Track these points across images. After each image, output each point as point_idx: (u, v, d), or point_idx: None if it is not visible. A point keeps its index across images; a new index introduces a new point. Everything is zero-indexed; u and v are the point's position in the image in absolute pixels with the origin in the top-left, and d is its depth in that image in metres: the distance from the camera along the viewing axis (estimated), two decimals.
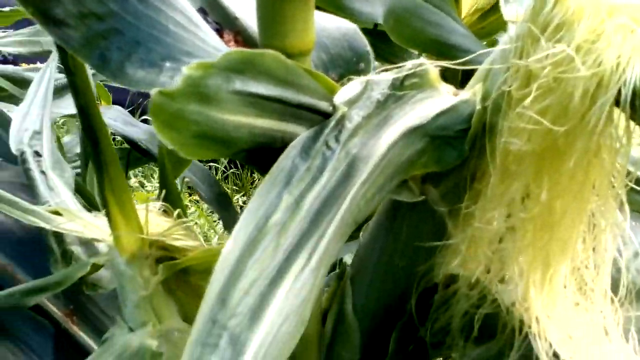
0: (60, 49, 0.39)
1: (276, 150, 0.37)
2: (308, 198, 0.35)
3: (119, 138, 1.47)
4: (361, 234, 0.50)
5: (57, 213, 0.51)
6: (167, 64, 0.37)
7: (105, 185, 0.43)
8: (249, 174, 3.15)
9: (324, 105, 0.38)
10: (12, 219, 0.66)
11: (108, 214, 0.45)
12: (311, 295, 0.33)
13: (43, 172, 0.62)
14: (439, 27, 0.67)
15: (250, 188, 3.05)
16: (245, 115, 0.33)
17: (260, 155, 0.37)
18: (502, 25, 1.06)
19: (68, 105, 0.95)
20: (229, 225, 0.97)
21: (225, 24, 0.41)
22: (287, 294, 0.32)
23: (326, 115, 0.38)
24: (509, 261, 0.41)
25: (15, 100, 1.00)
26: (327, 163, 0.36)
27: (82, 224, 0.50)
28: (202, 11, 0.40)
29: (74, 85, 0.39)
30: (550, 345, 0.40)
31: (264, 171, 0.37)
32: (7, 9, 1.41)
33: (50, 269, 0.65)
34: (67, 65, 0.39)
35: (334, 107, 0.38)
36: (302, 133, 0.37)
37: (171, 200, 0.81)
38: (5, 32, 1.27)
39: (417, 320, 0.47)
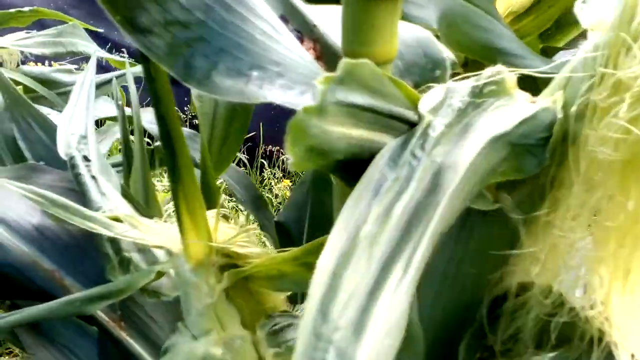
0: (142, 57, 0.39)
1: (364, 161, 0.36)
2: (397, 208, 0.35)
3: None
4: None
5: (117, 219, 0.51)
6: (255, 73, 0.36)
7: (179, 194, 0.43)
8: (257, 173, 3.15)
9: (409, 114, 0.38)
10: (58, 224, 0.66)
11: (179, 222, 0.45)
12: (407, 307, 0.33)
13: (94, 177, 0.62)
14: (489, 31, 0.67)
15: (260, 187, 3.05)
16: (344, 126, 0.33)
17: (349, 165, 0.37)
18: (534, 29, 1.06)
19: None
20: (265, 227, 0.98)
21: (304, 31, 0.41)
22: (387, 307, 0.32)
23: (411, 124, 0.38)
24: (589, 270, 0.40)
25: (44, 101, 1.00)
26: (414, 172, 0.36)
27: (144, 231, 0.49)
28: (284, 19, 0.40)
29: (155, 92, 0.39)
30: (633, 356, 0.39)
31: (350, 182, 0.37)
32: (26, 9, 1.40)
33: (99, 275, 0.65)
34: (149, 73, 0.39)
35: (420, 116, 0.38)
36: (389, 142, 0.37)
37: (212, 203, 0.81)
38: (28, 32, 1.27)
39: (487, 329, 0.46)
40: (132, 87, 0.83)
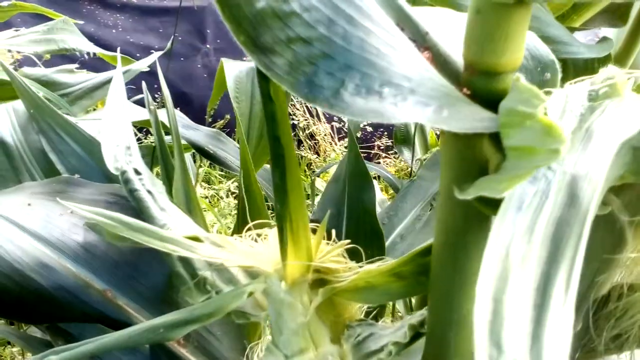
0: (260, 76, 0.36)
1: None
2: (539, 224, 0.34)
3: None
4: None
5: (196, 239, 0.49)
6: (386, 90, 0.35)
7: (285, 214, 0.41)
8: None
9: None
10: (107, 243, 0.63)
11: (282, 244, 0.43)
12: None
13: (150, 192, 0.59)
14: (537, 19, 0.66)
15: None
16: None
17: None
18: (554, 10, 1.06)
19: None
20: None
21: (418, 40, 0.39)
22: (555, 333, 0.31)
23: None
24: None
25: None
26: (551, 185, 0.35)
27: (230, 251, 0.47)
28: (400, 27, 0.38)
29: (273, 114, 0.37)
30: None
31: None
32: (5, 3, 1.34)
33: (155, 293, 0.63)
34: (268, 93, 0.36)
35: None
36: None
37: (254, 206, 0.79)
38: (17, 30, 1.20)
39: (593, 331, 0.46)
40: (165, 90, 0.79)
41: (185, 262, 0.53)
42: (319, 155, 3.36)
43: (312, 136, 3.47)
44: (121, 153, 0.61)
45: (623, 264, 0.44)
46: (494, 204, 0.39)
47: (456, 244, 0.43)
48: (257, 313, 0.50)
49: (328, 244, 0.48)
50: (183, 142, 0.80)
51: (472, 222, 0.42)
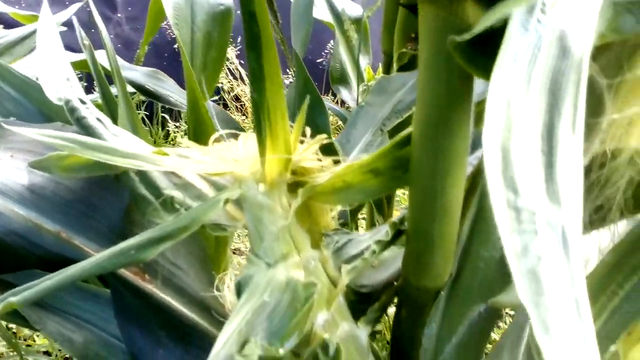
0: None
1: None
2: (535, 75, 0.33)
3: None
4: None
5: (162, 153, 0.45)
6: None
7: (262, 102, 0.38)
8: (160, 128, 3.02)
9: None
10: (54, 182, 0.59)
11: (260, 137, 0.40)
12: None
13: (99, 119, 0.55)
14: None
15: (164, 142, 2.94)
16: None
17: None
18: None
19: None
20: None
21: None
22: (567, 168, 0.30)
23: None
24: None
25: None
26: (542, 39, 0.34)
27: (201, 160, 0.44)
28: None
29: None
30: None
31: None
32: None
33: (113, 228, 0.60)
34: None
35: None
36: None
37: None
38: None
39: None
40: (103, 28, 0.74)
41: (148, 183, 0.50)
42: (246, 117, 3.31)
43: (237, 98, 3.42)
44: (62, 84, 0.57)
45: (603, 130, 0.44)
46: (483, 66, 0.38)
47: (438, 124, 0.42)
48: (232, 224, 0.48)
49: (303, 141, 0.46)
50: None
51: (454, 96, 0.41)
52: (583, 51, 0.34)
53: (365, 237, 0.53)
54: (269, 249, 0.45)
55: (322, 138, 0.46)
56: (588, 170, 0.46)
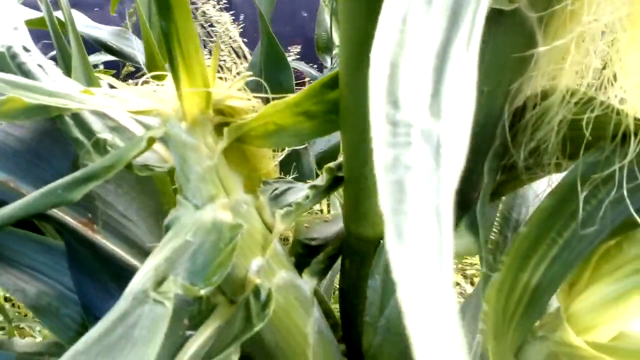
0: None
1: None
2: None
3: None
4: None
5: (88, 92, 0.45)
6: None
7: (171, 31, 0.37)
8: None
9: None
10: (4, 132, 0.59)
11: (173, 71, 0.40)
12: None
13: (40, 65, 0.54)
14: None
15: None
16: None
17: None
18: None
19: None
20: None
21: None
22: (455, 82, 0.29)
23: None
24: (617, 55, 0.39)
25: None
26: None
27: (125, 98, 0.44)
28: None
29: None
30: None
31: None
32: None
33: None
34: None
35: None
36: None
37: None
38: None
39: (510, 143, 0.44)
40: None
41: (82, 126, 0.50)
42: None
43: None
44: (7, 32, 0.56)
45: (535, 67, 0.42)
46: None
47: (361, 60, 0.41)
48: (162, 165, 0.47)
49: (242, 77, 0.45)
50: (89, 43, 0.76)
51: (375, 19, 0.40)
52: None
53: (305, 186, 0.52)
54: (196, 189, 0.45)
55: (247, 75, 0.45)
56: (522, 110, 0.45)
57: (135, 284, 0.40)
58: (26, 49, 0.56)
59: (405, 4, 0.32)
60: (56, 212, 0.58)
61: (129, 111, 0.45)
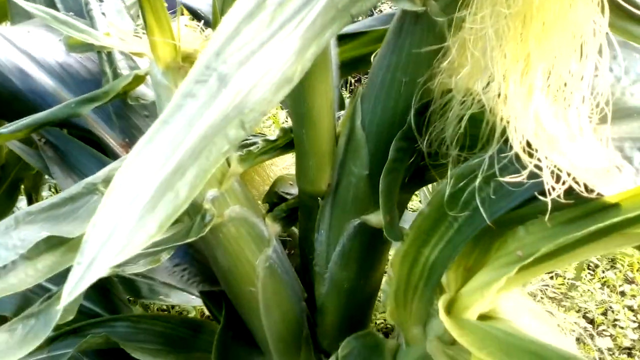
0: None
1: None
2: None
3: None
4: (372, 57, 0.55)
5: (107, 35, 0.58)
6: None
7: None
8: None
9: None
10: (79, 63, 0.75)
11: (144, 19, 0.51)
12: (295, 60, 0.38)
13: (103, 14, 0.69)
14: None
15: None
16: None
17: None
18: None
19: None
20: None
21: None
22: (272, 53, 0.37)
23: None
24: (493, 60, 0.44)
25: None
26: None
27: (129, 42, 0.56)
28: None
29: None
30: (523, 136, 0.43)
31: None
32: None
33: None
34: None
35: None
36: None
37: None
38: None
39: (415, 130, 0.51)
40: None
41: (110, 61, 0.63)
42: None
43: None
44: None
45: (442, 64, 0.48)
46: None
47: None
48: (149, 99, 0.59)
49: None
50: None
51: None
52: None
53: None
54: None
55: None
56: (429, 104, 0.51)
57: (88, 179, 0.52)
58: (100, 0, 0.71)
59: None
60: (103, 135, 0.73)
61: (129, 52, 0.57)
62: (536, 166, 0.42)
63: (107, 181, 0.52)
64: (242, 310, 0.67)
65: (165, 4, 0.51)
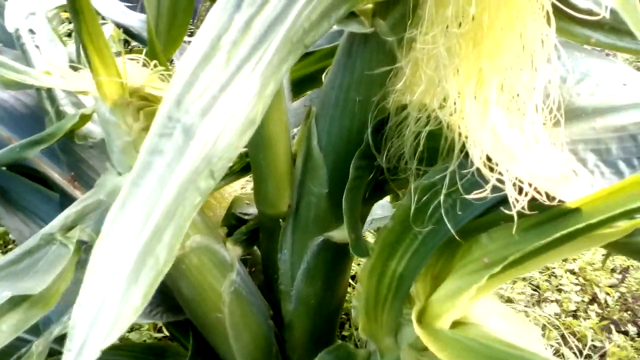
0: None
1: None
2: (257, 20, 0.39)
3: None
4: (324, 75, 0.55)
5: (48, 73, 0.56)
6: None
7: (83, 31, 0.47)
8: None
9: None
10: (15, 98, 0.72)
11: (89, 62, 0.50)
12: (257, 100, 0.37)
13: (37, 47, 0.66)
14: None
15: None
16: None
17: None
18: None
19: None
20: None
21: None
22: (234, 96, 0.37)
23: None
24: (447, 78, 0.45)
25: None
26: None
27: (70, 79, 0.54)
28: None
29: None
30: (482, 150, 0.44)
31: None
32: None
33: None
34: None
35: None
36: None
37: None
38: None
39: (373, 148, 0.51)
40: None
41: (52, 100, 0.61)
42: None
43: None
44: (22, 17, 0.69)
45: (395, 82, 0.49)
46: None
47: None
48: (97, 137, 0.58)
49: (156, 70, 0.55)
50: None
51: None
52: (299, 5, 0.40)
53: None
54: (119, 160, 0.55)
55: (160, 69, 0.54)
56: (388, 120, 0.51)
57: (45, 229, 0.50)
58: (32, 32, 0.68)
59: (225, 25, 0.39)
60: (48, 171, 0.71)
61: (71, 90, 0.55)
62: (498, 180, 0.43)
63: (64, 229, 0.51)
64: (210, 336, 0.67)
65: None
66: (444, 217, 0.49)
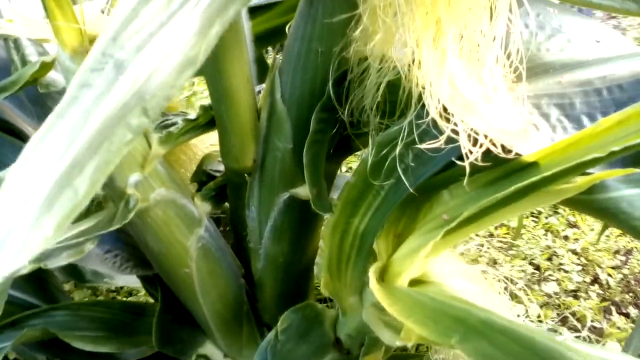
0: None
1: None
2: None
3: None
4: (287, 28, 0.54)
5: (10, 21, 0.55)
6: None
7: None
8: None
9: None
10: None
11: (44, 4, 0.49)
12: (197, 40, 0.36)
13: None
14: None
15: None
16: None
17: None
18: None
19: None
20: None
21: None
22: (172, 34, 0.36)
23: None
24: (404, 27, 0.43)
25: None
26: None
27: (33, 27, 0.53)
28: None
29: None
30: (439, 101, 0.43)
31: None
32: None
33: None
34: None
35: None
36: None
37: None
38: None
39: (335, 100, 0.50)
40: None
41: (19, 50, 0.60)
42: None
43: None
44: None
45: (356, 34, 0.47)
46: None
47: None
48: (60, 85, 0.57)
49: None
50: None
51: None
52: None
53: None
54: None
55: None
56: (347, 73, 0.50)
57: (2, 173, 0.50)
58: None
59: None
60: (20, 123, 0.70)
61: (33, 38, 0.55)
62: (453, 130, 0.42)
63: None
64: (179, 292, 0.66)
65: None
66: (400, 172, 0.48)
